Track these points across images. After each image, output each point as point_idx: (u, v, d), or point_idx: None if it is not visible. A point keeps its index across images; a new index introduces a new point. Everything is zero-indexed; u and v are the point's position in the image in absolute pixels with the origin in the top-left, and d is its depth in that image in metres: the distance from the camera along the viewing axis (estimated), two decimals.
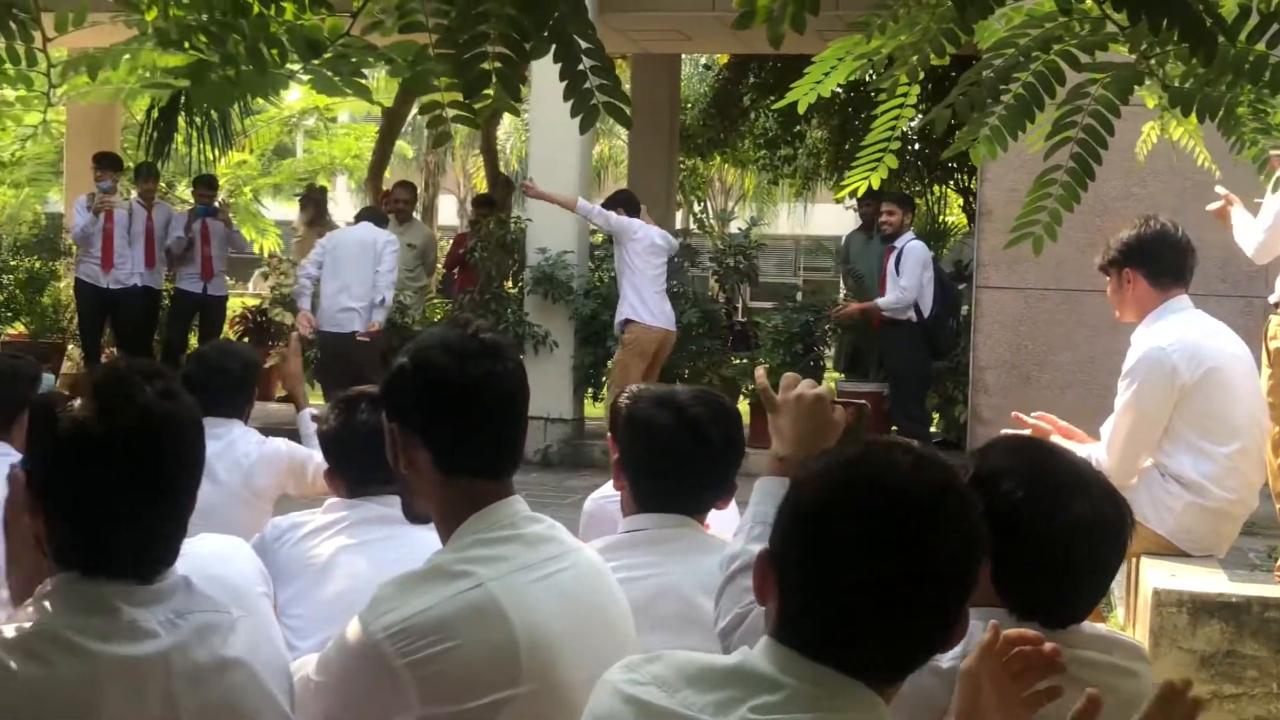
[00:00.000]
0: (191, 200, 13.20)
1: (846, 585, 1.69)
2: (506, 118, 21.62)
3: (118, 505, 2.06)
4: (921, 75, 2.96)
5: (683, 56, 17.76)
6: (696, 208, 22.39)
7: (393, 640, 2.19)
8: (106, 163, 11.91)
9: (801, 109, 3.27)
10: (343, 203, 26.31)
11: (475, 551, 2.30)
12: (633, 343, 10.19)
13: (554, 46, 2.27)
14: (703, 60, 21.33)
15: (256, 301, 14.13)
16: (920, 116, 3.80)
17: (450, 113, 2.33)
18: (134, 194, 12.29)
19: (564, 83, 2.29)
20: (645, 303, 10.21)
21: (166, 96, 2.84)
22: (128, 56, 2.79)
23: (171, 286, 12.73)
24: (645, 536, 2.92)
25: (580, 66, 2.27)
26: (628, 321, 10.22)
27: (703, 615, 2.70)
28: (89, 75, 2.83)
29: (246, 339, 13.09)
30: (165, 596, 2.10)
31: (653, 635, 2.63)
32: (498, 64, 2.24)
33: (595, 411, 12.34)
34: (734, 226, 14.93)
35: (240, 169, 21.58)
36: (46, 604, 2.06)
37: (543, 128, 11.29)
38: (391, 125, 17.68)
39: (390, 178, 18.37)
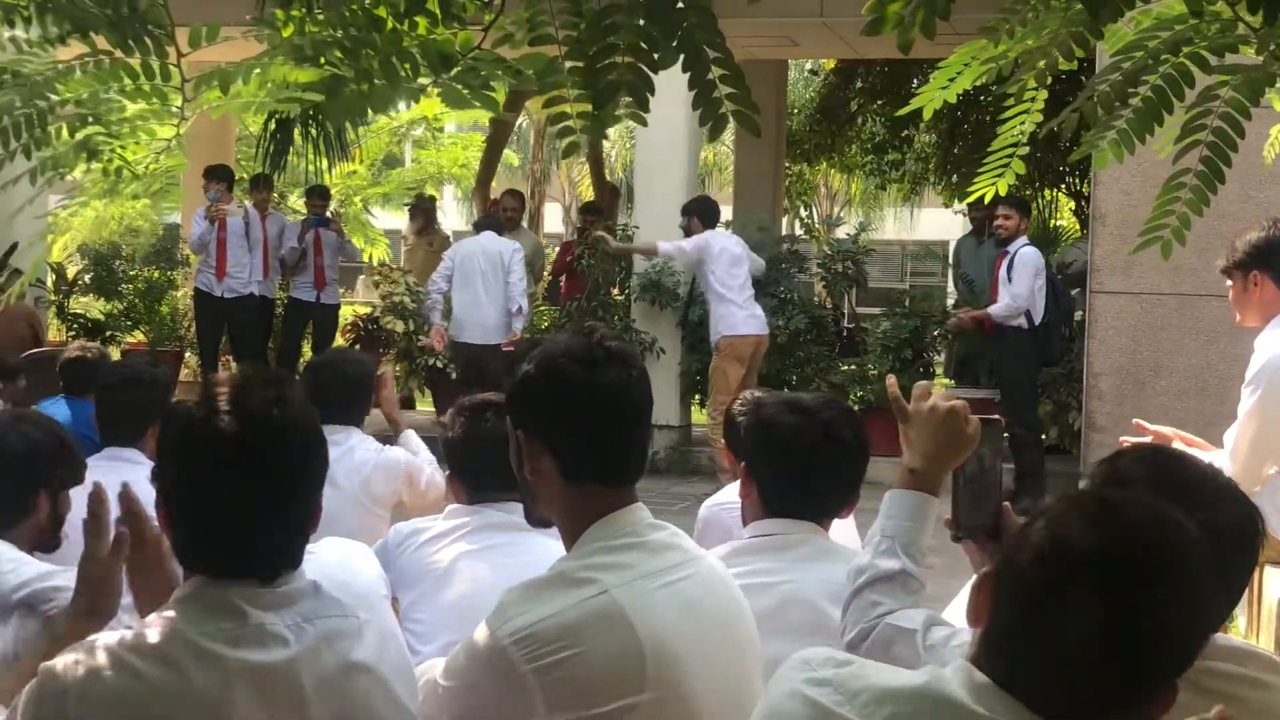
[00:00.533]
0: (303, 211, 13.39)
1: (1060, 638, 1.64)
2: None
3: (227, 507, 2.10)
4: (1050, 80, 2.93)
5: (789, 62, 17.71)
6: (803, 213, 22.27)
7: (519, 645, 2.21)
8: (215, 174, 12.13)
9: (927, 115, 3.25)
10: (450, 212, 26.59)
11: (599, 559, 2.31)
12: (729, 348, 10.16)
13: (682, 56, 2.28)
14: (808, 65, 21.25)
15: (367, 310, 14.30)
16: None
17: (578, 123, 2.35)
18: (249, 204, 12.49)
19: (692, 91, 2.30)
20: (736, 315, 10.18)
21: (295, 110, 2.89)
22: (258, 71, 2.85)
23: (285, 295, 12.93)
24: (773, 542, 2.91)
25: (709, 75, 2.28)
26: (723, 336, 10.20)
27: (830, 623, 2.69)
28: (221, 89, 2.88)
29: (358, 346, 13.26)
30: (293, 600, 2.13)
31: (779, 642, 2.62)
32: (627, 74, 2.26)
33: (702, 418, 12.32)
34: (840, 232, 14.80)
35: (350, 179, 21.89)
36: (177, 609, 2.10)
37: (649, 135, 11.29)
38: (499, 134, 17.83)
39: (496, 186, 18.52)
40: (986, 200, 3.45)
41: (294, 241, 12.39)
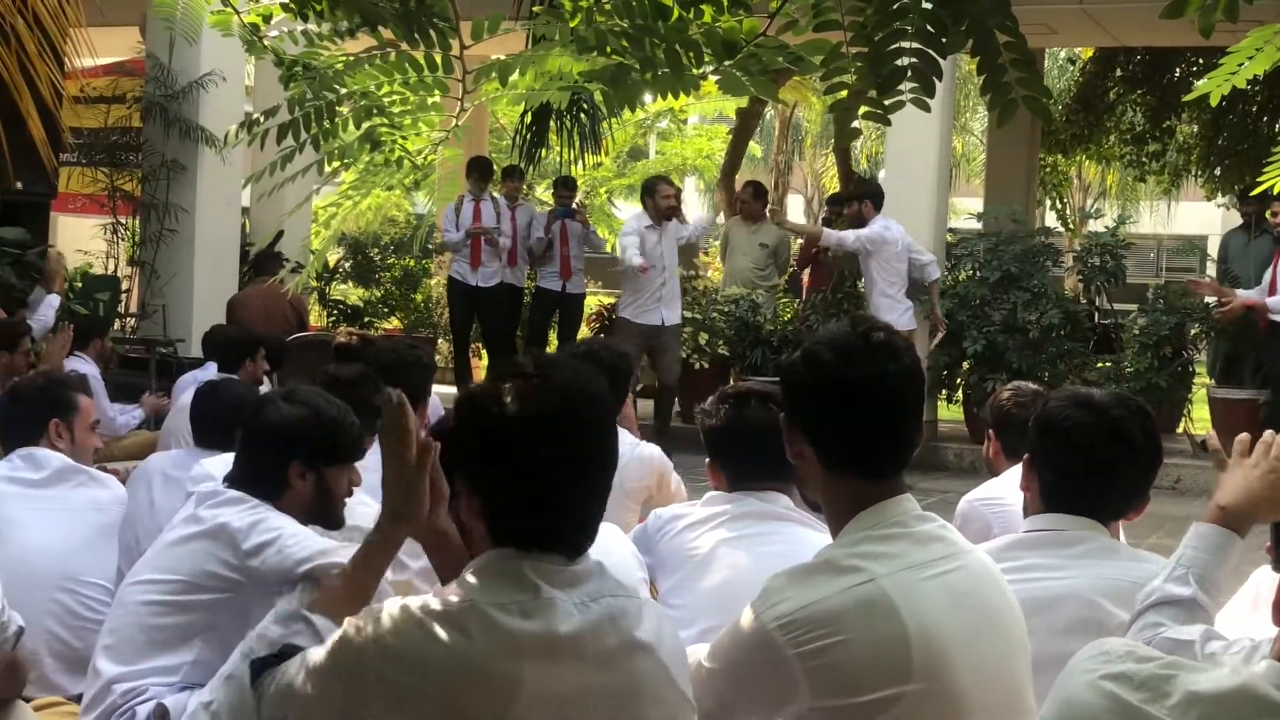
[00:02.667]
0: (549, 201, 13.59)
1: None
2: None
3: (546, 481, 2.12)
4: None
5: (1045, 50, 17.26)
6: (1057, 205, 21.62)
7: (784, 630, 2.22)
8: (475, 166, 12.43)
9: (1214, 100, 3.12)
10: (692, 203, 26.66)
11: (865, 548, 2.31)
12: None
13: (970, 41, 2.24)
14: (1063, 53, 20.67)
15: (612, 300, 14.46)
16: None
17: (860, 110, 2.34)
18: (500, 196, 12.72)
19: (981, 76, 2.26)
20: (896, 309, 10.07)
21: (565, 100, 2.95)
22: (534, 63, 2.92)
23: (533, 284, 13.17)
24: (1051, 537, 2.84)
25: (1000, 60, 2.23)
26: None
27: (1109, 620, 2.64)
28: (500, 81, 2.96)
29: (602, 336, 13.40)
30: (582, 579, 2.17)
31: (1051, 639, 2.57)
32: (913, 59, 2.23)
33: (948, 414, 12.12)
34: (1098, 225, 14.35)
35: (596, 171, 22.16)
36: (473, 578, 2.14)
37: (900, 124, 11.00)
38: (745, 126, 17.78)
39: (739, 178, 18.51)
40: (1276, 191, 3.29)
41: (540, 231, 12.61)
